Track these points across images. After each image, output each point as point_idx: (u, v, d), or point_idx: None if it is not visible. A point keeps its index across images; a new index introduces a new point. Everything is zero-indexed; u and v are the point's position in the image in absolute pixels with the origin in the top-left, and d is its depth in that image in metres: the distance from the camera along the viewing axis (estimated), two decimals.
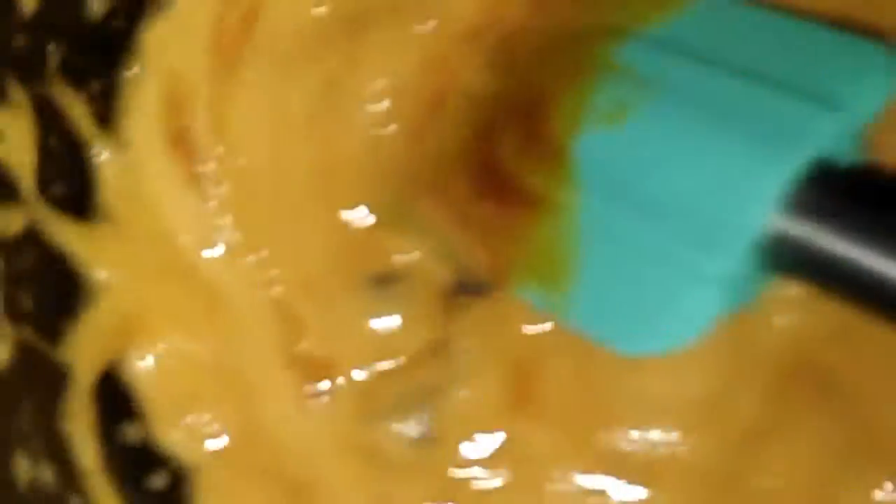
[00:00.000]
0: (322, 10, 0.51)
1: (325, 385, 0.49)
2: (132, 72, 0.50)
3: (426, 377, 0.49)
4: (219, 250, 0.50)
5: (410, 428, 0.49)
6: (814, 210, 0.38)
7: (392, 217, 0.49)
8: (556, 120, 0.45)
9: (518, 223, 0.45)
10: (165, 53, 0.50)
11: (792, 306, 0.47)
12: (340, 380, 0.49)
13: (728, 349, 0.48)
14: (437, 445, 0.49)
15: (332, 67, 0.50)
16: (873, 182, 0.39)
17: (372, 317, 0.50)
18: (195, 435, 0.49)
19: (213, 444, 0.49)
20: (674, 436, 0.48)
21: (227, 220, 0.50)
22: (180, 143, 0.50)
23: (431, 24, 0.50)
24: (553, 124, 0.45)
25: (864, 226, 0.37)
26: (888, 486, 0.48)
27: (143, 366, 0.50)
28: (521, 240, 0.45)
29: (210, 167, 0.50)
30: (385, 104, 0.50)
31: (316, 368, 0.50)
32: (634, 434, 0.49)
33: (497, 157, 0.46)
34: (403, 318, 0.50)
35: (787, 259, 0.39)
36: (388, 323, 0.50)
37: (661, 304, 0.41)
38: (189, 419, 0.49)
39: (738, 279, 0.39)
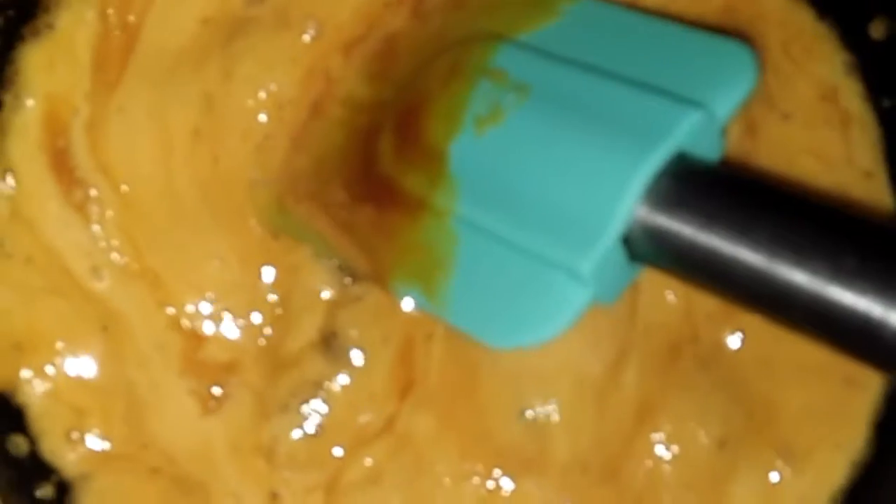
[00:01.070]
0: (200, 25, 0.51)
1: (218, 389, 0.50)
2: (11, 94, 0.50)
3: (315, 371, 0.49)
4: (108, 273, 0.50)
5: (302, 422, 0.49)
6: (675, 202, 0.39)
7: (277, 223, 0.50)
8: (433, 124, 0.46)
9: (396, 225, 0.46)
10: (46, 76, 0.50)
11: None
12: (234, 381, 0.50)
13: (610, 325, 0.49)
14: (327, 437, 0.49)
15: (210, 81, 0.50)
16: (730, 177, 0.40)
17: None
18: (81, 446, 0.49)
19: (99, 451, 0.50)
20: (555, 416, 0.49)
21: (115, 242, 0.50)
22: (62, 167, 0.50)
23: (310, 33, 0.51)
24: (429, 129, 0.46)
25: (723, 218, 0.38)
26: (781, 464, 0.50)
27: (32, 382, 0.50)
28: (399, 241, 0.45)
29: (93, 191, 0.50)
30: (265, 115, 0.50)
31: (211, 374, 0.50)
32: (515, 415, 0.49)
33: (375, 162, 0.47)
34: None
35: (652, 250, 0.40)
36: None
37: (533, 300, 0.42)
38: (76, 433, 0.49)
39: (606, 272, 0.41)
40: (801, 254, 0.36)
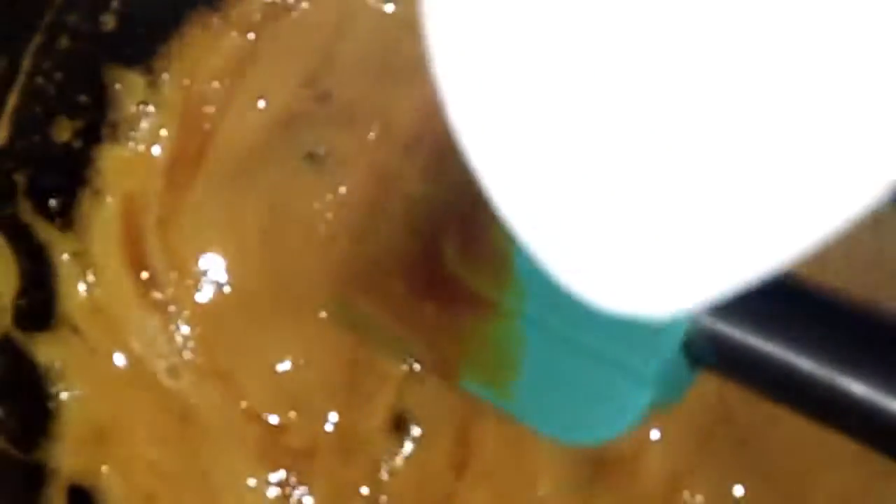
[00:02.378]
0: (269, 126, 0.53)
1: (294, 477, 0.51)
2: (90, 191, 0.52)
3: (383, 451, 0.52)
4: (184, 371, 0.52)
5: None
6: (735, 310, 0.41)
7: (343, 318, 0.52)
8: (497, 227, 0.48)
9: (461, 323, 0.48)
10: (123, 177, 0.52)
11: None
12: (309, 468, 0.51)
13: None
14: None
15: (278, 180, 0.53)
16: (789, 285, 0.42)
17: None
18: None
19: None
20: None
21: (190, 343, 0.52)
22: (139, 266, 0.52)
23: (374, 132, 0.53)
24: (494, 230, 0.48)
25: (782, 327, 0.40)
26: None
27: (110, 473, 0.51)
28: (465, 338, 0.47)
29: (168, 291, 0.52)
30: (330, 213, 0.52)
31: (287, 461, 0.52)
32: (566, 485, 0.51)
33: (439, 261, 0.49)
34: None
35: (711, 355, 0.42)
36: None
37: (598, 401, 0.44)
38: None
39: (668, 375, 0.42)
40: (861, 367, 0.39)
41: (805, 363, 0.39)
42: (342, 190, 0.53)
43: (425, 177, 0.53)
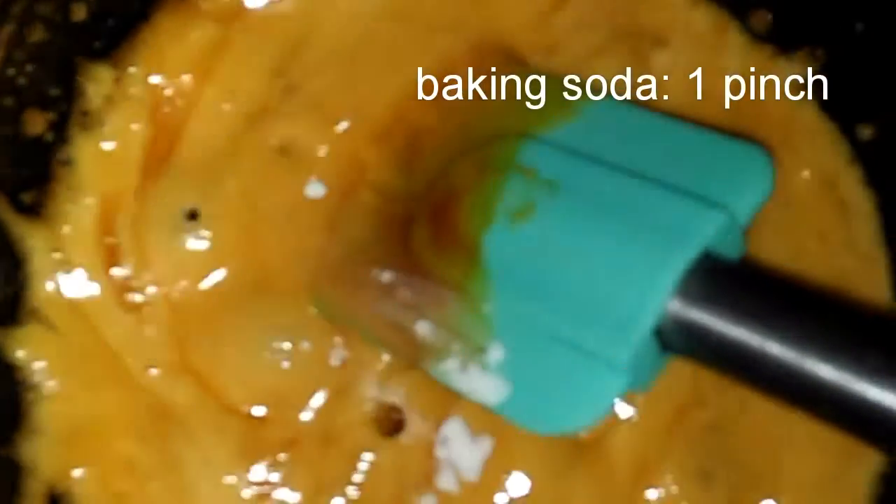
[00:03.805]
0: (237, 120, 0.53)
1: (274, 468, 0.51)
2: (65, 188, 0.52)
3: (366, 443, 0.52)
4: (162, 369, 0.52)
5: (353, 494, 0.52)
6: (706, 298, 0.42)
7: (324, 310, 0.52)
8: (466, 216, 0.49)
9: (433, 311, 0.48)
10: (99, 174, 0.52)
11: None
12: (291, 458, 0.51)
13: None
14: None
15: (247, 174, 0.53)
16: (757, 274, 0.43)
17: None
18: None
19: None
20: None
21: (165, 342, 0.52)
22: (114, 264, 0.52)
23: (344, 124, 0.53)
24: (463, 221, 0.49)
25: (753, 314, 0.41)
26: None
27: (83, 475, 0.51)
28: (437, 327, 0.48)
29: (143, 287, 0.52)
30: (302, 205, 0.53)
31: (269, 452, 0.52)
32: None
33: (410, 250, 0.50)
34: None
35: (683, 342, 0.43)
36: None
37: (571, 390, 0.44)
38: None
39: (640, 362, 0.43)
40: (828, 351, 0.39)
41: (774, 347, 0.40)
42: (314, 181, 0.53)
43: (396, 167, 0.53)
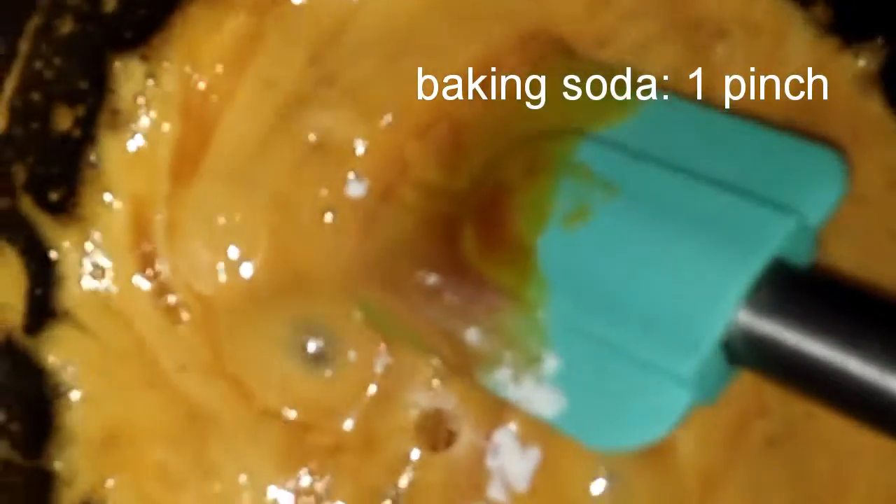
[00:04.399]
0: (273, 113, 0.51)
1: (318, 476, 0.50)
2: (96, 192, 0.50)
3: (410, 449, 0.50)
4: (195, 372, 0.50)
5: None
6: (777, 309, 0.40)
7: (369, 316, 0.50)
8: (518, 218, 0.47)
9: (483, 317, 0.46)
10: (128, 178, 0.50)
11: None
12: (334, 465, 0.50)
13: None
14: None
15: (282, 172, 0.51)
16: (831, 284, 0.41)
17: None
18: None
19: None
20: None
21: (200, 344, 0.50)
22: (149, 267, 0.50)
23: (385, 118, 0.51)
24: (515, 222, 0.46)
25: (823, 324, 0.39)
26: None
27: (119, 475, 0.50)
28: (489, 334, 0.46)
29: (177, 288, 0.50)
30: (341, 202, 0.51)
31: (311, 459, 0.50)
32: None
33: (457, 252, 0.48)
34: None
35: (752, 355, 0.41)
36: None
37: (633, 404, 0.42)
38: None
39: (707, 375, 0.41)
40: None
41: (853, 363, 0.38)
42: (352, 178, 0.51)
43: (439, 164, 0.51)
